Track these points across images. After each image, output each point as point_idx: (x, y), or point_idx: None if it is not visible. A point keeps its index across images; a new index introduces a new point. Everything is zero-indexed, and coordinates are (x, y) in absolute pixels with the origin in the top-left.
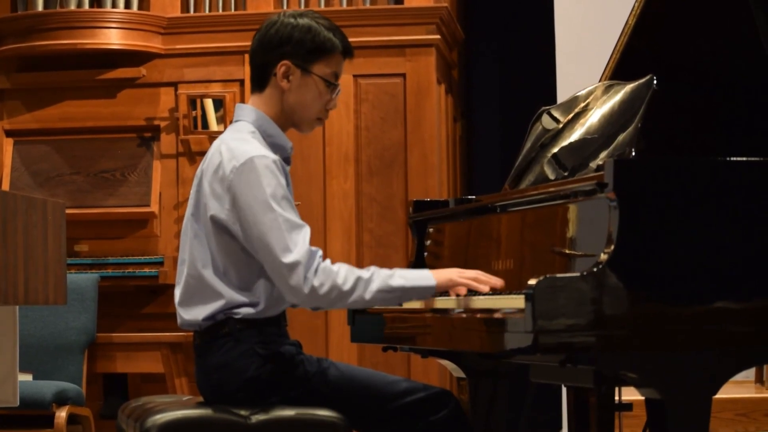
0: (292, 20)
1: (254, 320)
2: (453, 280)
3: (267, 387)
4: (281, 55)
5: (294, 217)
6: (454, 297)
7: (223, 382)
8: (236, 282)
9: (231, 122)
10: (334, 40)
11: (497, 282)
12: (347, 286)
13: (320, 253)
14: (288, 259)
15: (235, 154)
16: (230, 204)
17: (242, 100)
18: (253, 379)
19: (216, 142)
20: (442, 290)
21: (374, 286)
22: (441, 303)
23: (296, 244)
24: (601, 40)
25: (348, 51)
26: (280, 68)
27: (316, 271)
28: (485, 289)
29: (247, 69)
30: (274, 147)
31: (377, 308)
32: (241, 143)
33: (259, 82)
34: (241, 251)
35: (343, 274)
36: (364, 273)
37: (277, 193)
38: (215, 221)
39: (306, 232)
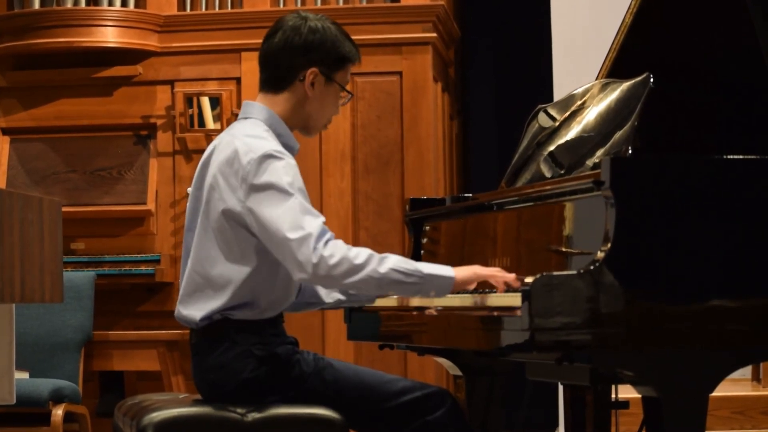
0: (319, 25)
1: (251, 322)
2: (478, 274)
3: (263, 388)
4: (310, 61)
5: (310, 206)
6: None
7: (219, 383)
8: (239, 282)
9: (237, 118)
10: (353, 49)
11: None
12: (359, 260)
13: (332, 233)
14: (297, 234)
15: (252, 147)
16: (245, 193)
17: (239, 98)
18: (249, 381)
19: (225, 138)
20: (464, 285)
21: (389, 263)
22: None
23: (309, 223)
24: (598, 38)
25: (359, 59)
26: (309, 75)
27: (326, 243)
28: (501, 287)
29: (244, 67)
30: (283, 147)
31: (374, 306)
32: (256, 139)
33: (278, 83)
34: (250, 249)
35: (356, 249)
36: (378, 254)
37: (295, 183)
38: (228, 215)
39: (321, 219)
